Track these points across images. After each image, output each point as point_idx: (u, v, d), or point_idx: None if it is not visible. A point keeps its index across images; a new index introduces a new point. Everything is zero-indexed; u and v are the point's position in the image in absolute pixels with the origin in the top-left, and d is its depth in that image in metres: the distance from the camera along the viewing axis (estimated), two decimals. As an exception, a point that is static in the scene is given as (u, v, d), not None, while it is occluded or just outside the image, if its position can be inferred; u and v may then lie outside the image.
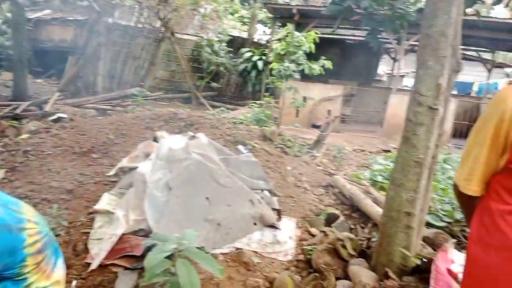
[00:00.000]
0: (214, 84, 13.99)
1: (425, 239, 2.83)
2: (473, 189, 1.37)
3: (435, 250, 2.64)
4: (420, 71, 2.42)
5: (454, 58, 2.39)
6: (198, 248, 2.32)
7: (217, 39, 14.43)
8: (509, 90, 1.30)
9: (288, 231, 3.21)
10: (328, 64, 7.78)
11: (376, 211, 3.35)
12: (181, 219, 2.87)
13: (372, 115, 13.05)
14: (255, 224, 3.13)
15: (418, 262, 2.43)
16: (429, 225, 3.05)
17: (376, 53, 14.44)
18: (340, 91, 11.06)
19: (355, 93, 12.98)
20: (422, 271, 2.37)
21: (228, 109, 10.23)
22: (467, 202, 1.47)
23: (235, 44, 14.69)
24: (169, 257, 2.17)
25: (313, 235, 3.24)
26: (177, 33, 14.17)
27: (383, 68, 19.41)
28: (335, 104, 10.87)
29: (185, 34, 15.06)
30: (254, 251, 2.90)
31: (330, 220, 3.46)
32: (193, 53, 14.49)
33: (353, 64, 14.36)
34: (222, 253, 2.85)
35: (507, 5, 4.26)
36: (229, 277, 2.58)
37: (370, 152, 7.77)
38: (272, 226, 3.19)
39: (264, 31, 18.35)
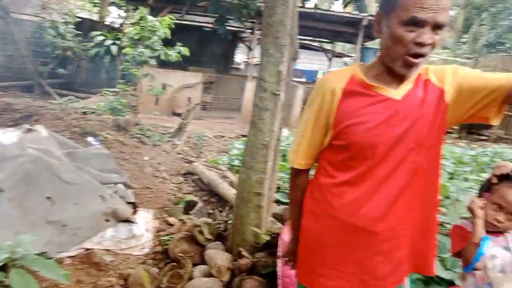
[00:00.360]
0: (61, 71, 12.60)
1: (275, 216, 3.04)
2: (297, 162, 1.47)
3: (283, 225, 2.86)
4: (264, 58, 2.55)
5: (292, 46, 2.57)
6: (38, 254, 2.07)
7: (63, 20, 12.98)
8: (330, 74, 1.44)
9: (145, 223, 3.10)
10: (185, 51, 7.69)
11: (232, 193, 3.47)
12: (17, 224, 2.52)
13: (231, 102, 13.47)
14: (107, 220, 2.93)
15: (268, 238, 2.59)
16: (278, 202, 3.28)
17: (232, 41, 14.87)
18: (200, 78, 11.10)
19: (214, 81, 13.19)
20: (272, 246, 2.54)
21: (78, 98, 9.36)
22: (294, 175, 1.54)
23: (84, 27, 13.43)
24: (2, 268, 1.89)
25: (172, 225, 3.20)
26: (13, 12, 12.29)
27: (241, 56, 20.15)
28: (195, 91, 10.88)
29: (23, 14, 13.16)
30: (107, 250, 2.73)
31: (189, 207, 3.46)
32: (34, 36, 12.78)
33: (212, 52, 14.55)
34: (69, 256, 2.60)
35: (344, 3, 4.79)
36: (78, 281, 2.37)
37: (229, 137, 8.01)
38: (127, 221, 3.04)
39: (119, 14, 17.19)
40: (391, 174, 1.31)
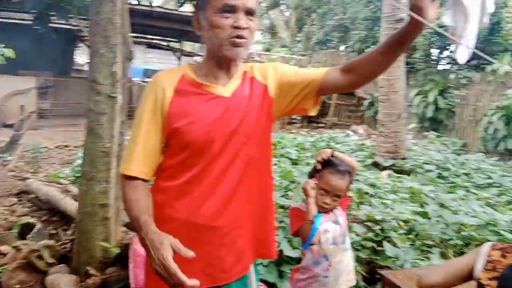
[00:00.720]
0: None
1: (128, 225, 2.87)
2: (133, 168, 1.31)
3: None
4: (95, 59, 2.37)
5: (125, 46, 2.44)
6: None
7: None
8: (160, 73, 1.40)
9: (-35, 259, 2.60)
10: (10, 52, 6.70)
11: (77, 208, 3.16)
12: None
13: (75, 107, 12.29)
14: None
15: (119, 250, 2.44)
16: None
17: (71, 41, 13.63)
18: (33, 83, 9.88)
19: (53, 85, 11.87)
20: (124, 258, 2.39)
21: None
22: (127, 185, 1.34)
23: None
24: None
25: (4, 254, 2.76)
26: None
27: (84, 57, 18.60)
28: (28, 98, 9.64)
29: None
30: None
31: (25, 231, 3.03)
32: None
33: (47, 53, 13.02)
34: None
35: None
36: None
37: (75, 146, 7.30)
38: None
39: None
40: (227, 169, 1.35)
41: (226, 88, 1.36)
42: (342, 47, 16.62)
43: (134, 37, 12.67)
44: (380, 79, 6.50)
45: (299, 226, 1.81)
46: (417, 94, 11.11)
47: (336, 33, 16.98)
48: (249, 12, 1.27)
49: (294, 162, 5.68)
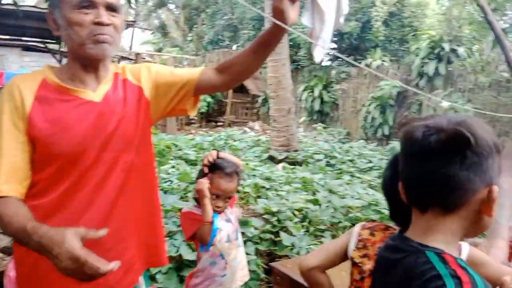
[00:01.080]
0: None
1: (3, 250, 2.57)
2: (1, 188, 1.15)
3: (15, 258, 2.45)
4: None
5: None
6: None
7: None
8: (16, 78, 1.25)
9: None
10: None
11: None
12: None
13: None
14: None
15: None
16: (3, 233, 2.78)
17: None
18: None
19: None
20: (0, 288, 2.13)
21: None
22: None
23: None
24: None
25: None
26: None
27: None
28: None
29: None
30: None
31: None
32: None
33: None
34: None
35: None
36: None
37: None
38: None
39: None
40: (105, 179, 1.27)
41: (96, 93, 1.26)
42: (234, 47, 16.91)
43: (5, 39, 11.30)
44: (269, 77, 6.78)
45: (196, 229, 1.78)
46: (304, 90, 11.85)
47: (227, 33, 17.22)
48: (111, 8, 1.21)
49: (193, 163, 5.64)
